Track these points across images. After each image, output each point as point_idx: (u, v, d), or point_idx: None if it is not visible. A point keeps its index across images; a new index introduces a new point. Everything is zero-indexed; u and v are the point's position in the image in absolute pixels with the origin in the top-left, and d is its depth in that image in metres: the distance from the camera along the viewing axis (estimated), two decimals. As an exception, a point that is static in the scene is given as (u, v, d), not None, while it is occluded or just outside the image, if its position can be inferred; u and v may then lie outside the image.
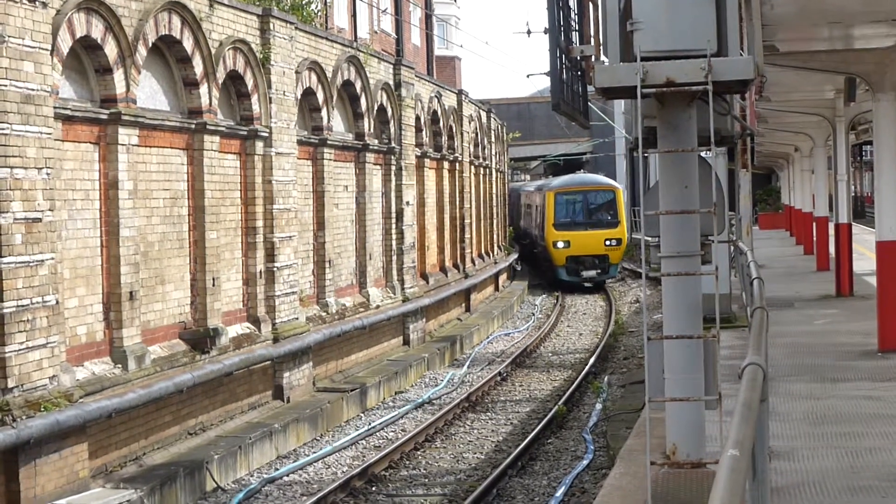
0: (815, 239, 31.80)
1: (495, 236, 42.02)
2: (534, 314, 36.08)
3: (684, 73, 8.67)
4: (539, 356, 27.24)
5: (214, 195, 16.50)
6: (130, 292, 14.21)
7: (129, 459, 13.97)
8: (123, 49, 14.17)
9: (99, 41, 13.77)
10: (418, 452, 16.94)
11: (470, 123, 35.28)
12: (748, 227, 28.73)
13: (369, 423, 18.69)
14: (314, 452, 16.66)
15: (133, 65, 14.40)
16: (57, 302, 12.60)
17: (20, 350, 11.92)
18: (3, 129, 11.77)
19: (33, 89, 12.23)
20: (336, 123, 22.11)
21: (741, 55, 9.08)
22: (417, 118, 27.62)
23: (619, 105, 59.20)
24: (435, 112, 30.05)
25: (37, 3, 12.32)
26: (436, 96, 30.11)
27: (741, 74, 8.75)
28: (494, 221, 41.75)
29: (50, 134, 12.55)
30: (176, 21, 15.42)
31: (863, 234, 36.65)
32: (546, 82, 35.55)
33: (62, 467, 12.32)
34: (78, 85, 13.84)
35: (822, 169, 31.47)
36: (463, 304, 32.32)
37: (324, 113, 21.02)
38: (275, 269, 18.23)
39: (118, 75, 14.14)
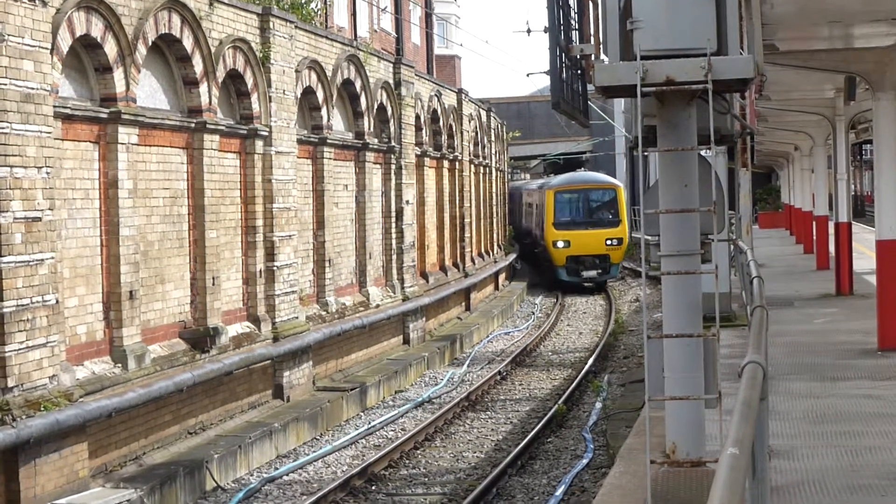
0: (814, 238, 31.81)
1: (495, 235, 41.99)
2: (533, 313, 36.08)
3: (684, 72, 8.67)
4: (539, 355, 27.24)
5: (214, 194, 16.50)
6: (130, 291, 14.21)
7: (129, 459, 13.97)
8: (123, 48, 14.16)
9: (99, 40, 13.76)
10: (418, 451, 16.94)
11: (470, 122, 35.28)
12: (748, 226, 28.74)
13: (369, 423, 18.69)
14: (314, 452, 16.66)
15: (133, 63, 14.40)
16: (57, 301, 12.60)
17: (20, 349, 11.92)
18: (2, 128, 11.77)
19: (33, 88, 12.23)
20: (336, 122, 22.11)
21: (741, 54, 9.07)
22: (417, 117, 27.62)
23: (619, 104, 59.17)
24: (435, 111, 30.05)
25: (36, 1, 12.32)
26: (436, 95, 30.11)
27: (741, 73, 8.74)
28: (494, 220, 41.72)
29: (50, 133, 12.55)
30: (176, 20, 15.42)
31: (863, 233, 36.65)
32: (546, 81, 35.54)
33: (62, 467, 12.32)
34: (78, 84, 13.84)
35: (821, 168, 31.47)
36: (463, 303, 32.32)
37: (324, 112, 21.01)
38: (275, 268, 18.23)
39: (118, 74, 14.14)
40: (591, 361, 24.60)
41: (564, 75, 9.51)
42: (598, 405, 19.81)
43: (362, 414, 19.53)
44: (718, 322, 9.17)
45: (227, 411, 16.54)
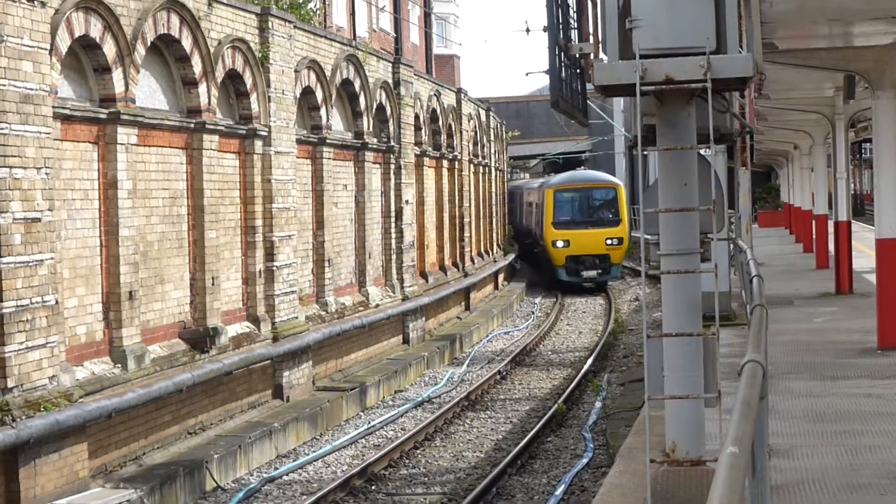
0: (814, 237, 31.81)
1: (495, 235, 41.93)
2: (533, 312, 36.07)
3: (683, 71, 8.67)
4: (539, 354, 27.24)
5: (213, 194, 16.50)
6: (130, 292, 14.21)
7: (129, 459, 13.97)
8: (122, 48, 14.16)
9: (98, 40, 13.76)
10: (418, 451, 16.94)
11: (469, 122, 35.28)
12: (747, 225, 28.75)
13: (369, 422, 18.69)
14: (314, 451, 16.66)
15: (132, 64, 14.39)
16: (56, 302, 12.59)
17: (20, 350, 11.92)
18: (2, 128, 11.76)
19: (32, 89, 12.22)
20: (335, 122, 22.11)
21: (740, 53, 9.07)
22: (416, 117, 27.62)
23: (619, 103, 59.20)
24: (434, 110, 30.05)
25: (35, 2, 12.32)
26: (435, 95, 30.11)
27: (740, 72, 8.74)
28: (494, 220, 41.68)
29: (49, 133, 12.55)
30: (175, 20, 15.41)
31: (862, 232, 36.68)
32: (545, 80, 35.51)
33: (62, 467, 12.32)
34: (77, 84, 13.83)
35: (821, 167, 31.47)
36: (462, 303, 32.32)
37: (323, 112, 21.01)
38: (274, 268, 18.23)
39: (117, 74, 14.13)
40: (590, 361, 24.60)
41: (563, 74, 9.51)
42: (598, 404, 19.81)
43: (362, 414, 19.53)
44: (718, 321, 9.17)
45: (227, 411, 16.54)
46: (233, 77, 17.41)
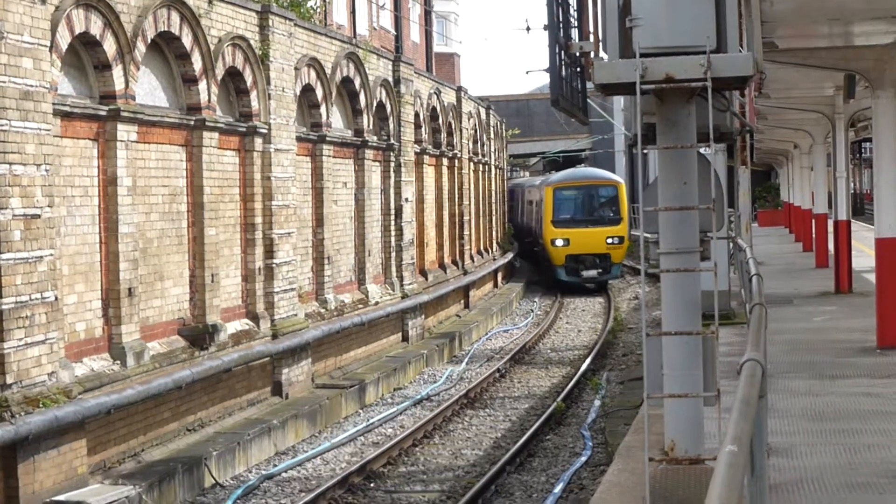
0: (814, 236, 31.82)
1: (494, 233, 41.88)
2: (532, 311, 36.06)
3: (683, 70, 8.67)
4: (538, 353, 27.24)
5: (213, 192, 16.50)
6: (129, 289, 14.21)
7: (128, 456, 13.97)
8: (122, 45, 14.16)
9: (98, 37, 13.76)
10: (417, 449, 16.94)
11: (469, 120, 35.28)
12: (747, 224, 28.77)
13: (368, 420, 18.69)
14: (313, 449, 16.65)
15: (132, 61, 14.39)
16: (56, 298, 12.59)
17: (19, 346, 11.92)
18: (1, 125, 11.76)
19: (32, 85, 12.22)
20: (335, 120, 22.11)
21: (740, 52, 9.07)
22: (416, 115, 27.62)
23: (619, 102, 59.20)
24: (434, 109, 30.05)
25: (35, -1, 12.31)
26: (435, 93, 30.10)
27: (740, 71, 8.74)
28: (493, 218, 41.62)
29: (49, 130, 12.55)
30: (175, 17, 15.41)
31: (862, 231, 36.70)
32: (545, 79, 35.50)
33: (60, 463, 12.32)
34: (77, 81, 13.83)
35: (821, 166, 31.48)
36: (462, 301, 32.32)
37: (323, 109, 21.01)
38: (274, 265, 18.23)
39: (117, 71, 14.13)
40: (589, 359, 24.59)
41: (564, 73, 9.51)
42: (597, 403, 19.81)
43: (361, 411, 19.53)
44: (717, 320, 9.17)
45: (226, 408, 16.54)
46: (233, 74, 17.41)
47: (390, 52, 34.83)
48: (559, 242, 40.15)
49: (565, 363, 25.31)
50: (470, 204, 34.90)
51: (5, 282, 11.77)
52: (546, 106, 54.64)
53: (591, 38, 9.37)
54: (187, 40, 15.77)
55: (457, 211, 32.56)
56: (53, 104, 12.74)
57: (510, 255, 43.03)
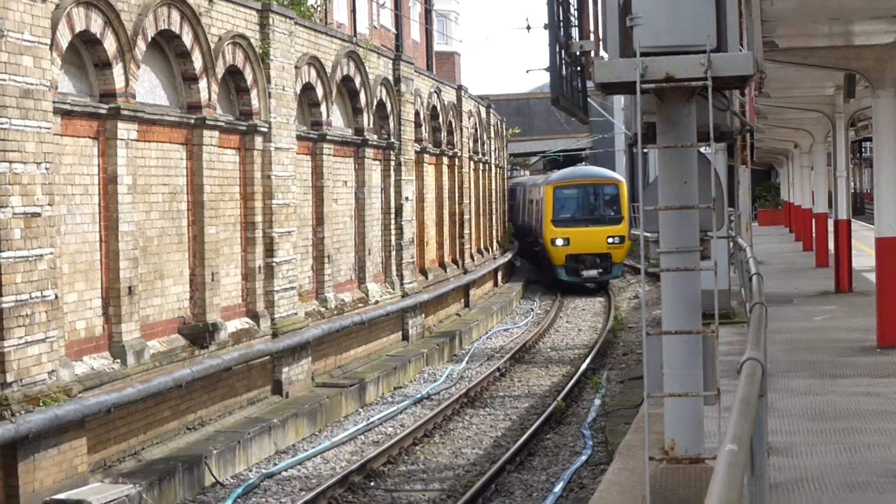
0: (814, 235, 31.83)
1: (494, 232, 41.83)
2: (532, 310, 36.06)
3: (684, 69, 8.66)
4: (538, 352, 27.25)
5: (213, 190, 16.50)
6: (129, 287, 14.21)
7: (128, 454, 13.97)
8: (122, 44, 14.15)
9: (98, 36, 13.76)
10: (417, 448, 16.94)
11: (469, 119, 35.28)
12: (747, 224, 28.75)
13: (368, 419, 18.69)
14: (313, 447, 16.66)
15: (132, 59, 14.39)
16: (56, 297, 12.60)
17: (19, 345, 11.92)
18: (2, 123, 11.76)
19: (32, 84, 12.22)
20: (335, 119, 22.10)
21: (741, 51, 9.07)
22: (417, 113, 27.61)
23: (619, 101, 59.16)
24: (434, 107, 30.05)
25: (36, -3, 12.31)
26: (435, 92, 30.10)
27: (740, 70, 8.74)
28: (493, 217, 41.57)
29: (49, 128, 12.55)
30: (175, 16, 15.41)
31: (862, 231, 36.70)
32: (545, 78, 35.51)
33: (61, 462, 12.32)
34: (77, 79, 13.83)
35: (821, 165, 31.49)
36: (462, 300, 32.32)
37: (323, 108, 21.01)
38: (274, 264, 18.23)
39: (117, 70, 14.13)
40: (590, 358, 24.60)
41: (564, 72, 9.50)
42: (597, 402, 19.82)
43: (361, 410, 19.53)
44: (717, 319, 9.17)
45: (226, 407, 16.54)
46: (233, 73, 17.41)
47: (390, 50, 34.83)
48: (559, 242, 39.80)
49: (565, 362, 25.31)
50: (470, 203, 34.89)
51: (5, 280, 11.77)
52: (546, 105, 54.65)
53: (592, 37, 9.36)
54: (187, 39, 15.77)
55: (457, 210, 32.56)
56: (54, 102, 12.74)
57: (510, 255, 42.95)
